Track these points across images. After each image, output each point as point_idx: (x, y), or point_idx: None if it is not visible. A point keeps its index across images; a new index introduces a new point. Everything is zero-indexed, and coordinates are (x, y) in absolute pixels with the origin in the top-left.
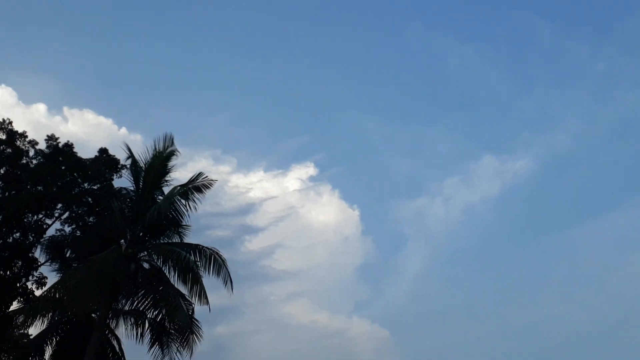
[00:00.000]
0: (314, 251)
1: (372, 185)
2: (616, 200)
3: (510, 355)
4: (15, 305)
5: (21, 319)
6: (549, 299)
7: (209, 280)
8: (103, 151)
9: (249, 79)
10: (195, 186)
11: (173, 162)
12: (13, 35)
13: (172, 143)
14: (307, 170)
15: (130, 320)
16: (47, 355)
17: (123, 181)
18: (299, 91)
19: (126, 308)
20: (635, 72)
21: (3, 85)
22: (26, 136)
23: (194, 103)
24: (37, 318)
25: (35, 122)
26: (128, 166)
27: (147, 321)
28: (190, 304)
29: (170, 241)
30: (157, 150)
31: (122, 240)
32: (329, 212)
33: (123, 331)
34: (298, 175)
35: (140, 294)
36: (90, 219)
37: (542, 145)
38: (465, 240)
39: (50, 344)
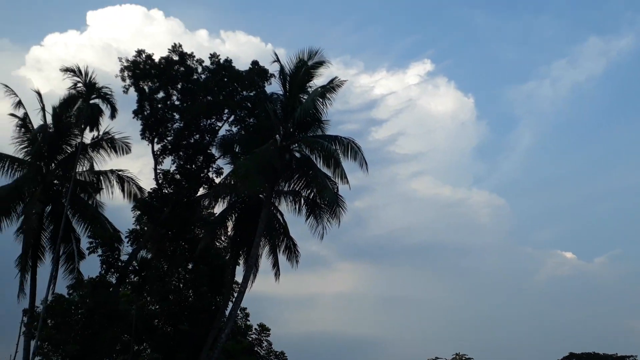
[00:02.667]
0: (433, 136)
1: (484, 74)
2: None
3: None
4: (201, 191)
5: (207, 201)
6: None
7: (347, 164)
8: (255, 63)
9: None
10: (331, 86)
11: (319, 70)
12: None
13: (319, 55)
14: (424, 66)
15: (289, 199)
16: (229, 228)
17: (272, 87)
18: None
19: (285, 189)
20: None
21: (172, 17)
22: (194, 56)
23: (319, 15)
24: (218, 200)
25: (199, 46)
26: (276, 75)
27: (302, 199)
28: (335, 183)
29: (315, 134)
30: (301, 59)
31: (277, 136)
32: (445, 102)
33: (285, 207)
34: (416, 72)
35: (295, 178)
36: (251, 120)
37: None
38: (572, 115)
39: (231, 219)
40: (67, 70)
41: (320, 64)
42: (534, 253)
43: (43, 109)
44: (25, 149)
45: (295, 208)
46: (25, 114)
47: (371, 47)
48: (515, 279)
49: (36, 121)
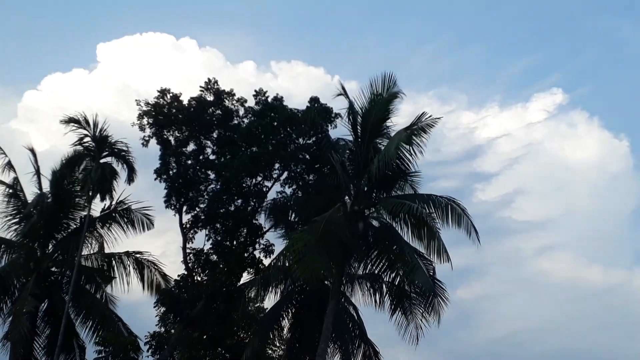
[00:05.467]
0: (570, 195)
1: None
2: None
3: None
4: (245, 277)
5: (253, 291)
6: None
7: (448, 235)
8: (314, 100)
9: None
10: (420, 127)
11: (395, 104)
12: None
13: (394, 84)
14: (552, 97)
15: (366, 286)
16: (285, 329)
17: (339, 131)
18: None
19: (360, 272)
20: None
21: (208, 47)
22: (234, 94)
23: (396, 36)
24: (269, 290)
25: (244, 82)
26: (343, 114)
27: (384, 285)
28: (430, 262)
29: (399, 194)
30: (375, 92)
31: (347, 197)
32: (587, 146)
33: (360, 298)
34: (541, 105)
35: (372, 256)
36: (310, 177)
37: None
38: None
39: (287, 316)
40: (70, 121)
41: (395, 95)
42: None
43: (38, 172)
44: (15, 227)
45: (375, 299)
46: (16, 179)
47: (473, 74)
48: None
49: (30, 188)
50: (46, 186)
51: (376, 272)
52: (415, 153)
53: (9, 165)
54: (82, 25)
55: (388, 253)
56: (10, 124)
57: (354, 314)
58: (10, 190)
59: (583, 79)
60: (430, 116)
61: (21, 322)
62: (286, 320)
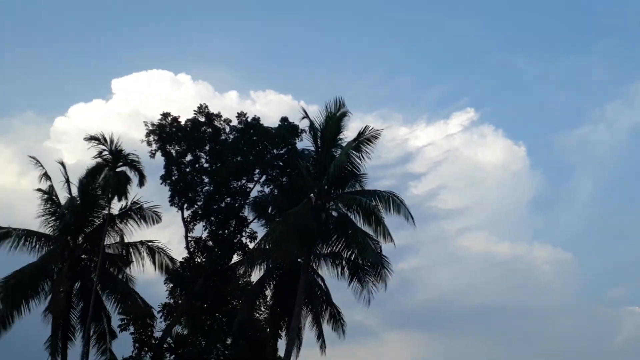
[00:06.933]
0: (482, 188)
1: (533, 120)
2: None
3: None
4: (235, 258)
5: (242, 269)
6: None
7: (390, 220)
8: (284, 120)
9: (384, 39)
10: (365, 138)
11: (345, 122)
12: (199, 32)
13: (343, 105)
14: (467, 115)
15: (329, 262)
16: (268, 297)
17: (303, 143)
18: (437, 40)
19: (324, 252)
20: None
21: (200, 81)
22: (221, 116)
23: (344, 69)
24: (254, 267)
25: (229, 107)
26: (307, 130)
27: (343, 261)
28: (377, 242)
29: (352, 190)
30: (329, 113)
31: (312, 194)
32: (494, 152)
33: (326, 271)
34: (459, 121)
35: (333, 239)
36: (283, 179)
37: None
38: (635, 159)
39: (269, 287)
40: (91, 138)
41: (344, 114)
42: (610, 312)
43: (67, 180)
44: (52, 224)
45: (337, 272)
46: (51, 186)
47: (405, 98)
48: (591, 342)
49: (62, 193)
50: (75, 192)
51: (337, 251)
52: (363, 158)
53: (46, 176)
54: (100, 64)
55: (345, 236)
56: (45, 144)
57: (322, 284)
58: (47, 196)
59: (489, 100)
60: (372, 129)
61: (59, 299)
62: (269, 290)
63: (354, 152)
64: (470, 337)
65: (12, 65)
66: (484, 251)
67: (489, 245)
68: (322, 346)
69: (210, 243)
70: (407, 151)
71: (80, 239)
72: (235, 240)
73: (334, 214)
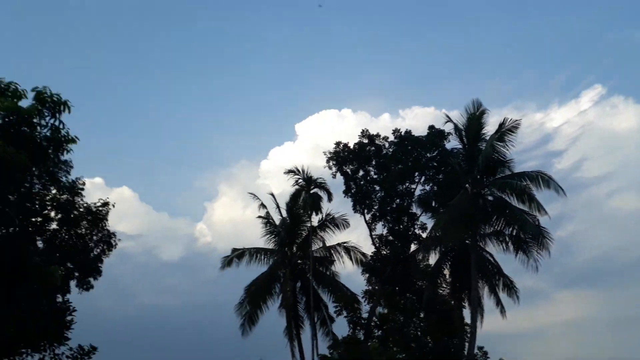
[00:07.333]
0: (622, 154)
1: None
2: None
3: None
4: (413, 247)
5: (420, 255)
6: None
7: (542, 196)
8: (431, 127)
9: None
10: (506, 128)
11: (484, 118)
12: (350, 71)
13: (481, 105)
14: (595, 91)
15: (494, 240)
16: (447, 275)
17: (451, 144)
18: (553, 28)
19: (488, 231)
20: None
21: (359, 111)
22: (380, 135)
23: (475, 74)
24: (430, 252)
25: (384, 127)
26: (452, 132)
27: (506, 237)
28: (534, 216)
29: (502, 175)
30: (470, 113)
31: (467, 185)
32: (628, 118)
33: (492, 248)
34: (589, 98)
35: (493, 219)
36: (439, 177)
37: None
38: None
39: (446, 267)
40: (289, 172)
41: (483, 112)
42: None
43: (278, 206)
44: (273, 240)
45: (502, 247)
46: (267, 212)
47: (534, 88)
48: None
49: (276, 216)
50: (284, 213)
51: (498, 229)
52: (507, 147)
53: (262, 206)
54: (286, 113)
55: (504, 216)
56: (257, 182)
57: (491, 259)
58: (266, 220)
59: (614, 74)
60: (510, 119)
61: (287, 296)
62: (446, 270)
63: (498, 142)
64: (634, 289)
65: (228, 122)
66: (636, 209)
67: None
68: (502, 311)
69: (391, 237)
70: (545, 133)
71: (294, 248)
72: (409, 233)
73: (490, 198)
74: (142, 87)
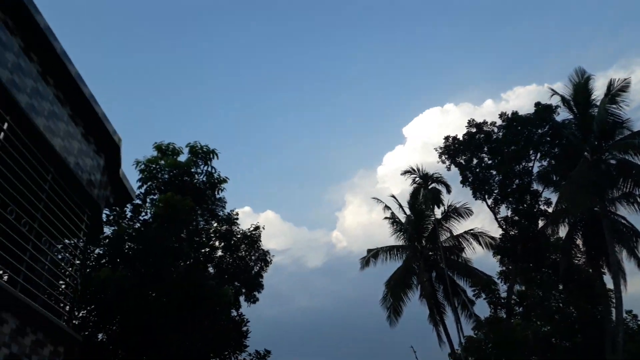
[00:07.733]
0: None
1: None
2: None
3: None
4: (540, 223)
5: (549, 230)
6: None
7: None
8: (537, 104)
9: None
10: (615, 91)
11: (590, 84)
12: (448, 65)
13: (585, 72)
14: None
15: (624, 202)
16: (580, 245)
17: (560, 117)
18: None
19: (616, 195)
20: None
21: (461, 103)
22: (487, 122)
23: (571, 44)
24: (559, 225)
25: (490, 113)
26: (560, 104)
27: (637, 197)
28: None
29: (621, 136)
30: (575, 82)
31: (585, 153)
32: None
33: (623, 210)
34: None
35: (620, 182)
36: (555, 150)
37: None
38: None
39: (577, 237)
40: (406, 172)
41: (589, 78)
42: None
43: (400, 205)
44: (402, 237)
45: (635, 208)
46: (392, 213)
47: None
48: None
49: (400, 215)
50: (407, 211)
51: (627, 191)
52: (620, 107)
53: (386, 207)
54: (392, 119)
55: (631, 177)
56: (377, 187)
57: (625, 222)
58: (392, 220)
59: None
60: (619, 79)
61: (425, 286)
62: (579, 240)
63: (610, 105)
64: None
65: (343, 138)
66: None
67: None
68: None
69: (516, 218)
70: None
71: (423, 241)
72: (535, 210)
73: (613, 162)
74: (275, 129)
